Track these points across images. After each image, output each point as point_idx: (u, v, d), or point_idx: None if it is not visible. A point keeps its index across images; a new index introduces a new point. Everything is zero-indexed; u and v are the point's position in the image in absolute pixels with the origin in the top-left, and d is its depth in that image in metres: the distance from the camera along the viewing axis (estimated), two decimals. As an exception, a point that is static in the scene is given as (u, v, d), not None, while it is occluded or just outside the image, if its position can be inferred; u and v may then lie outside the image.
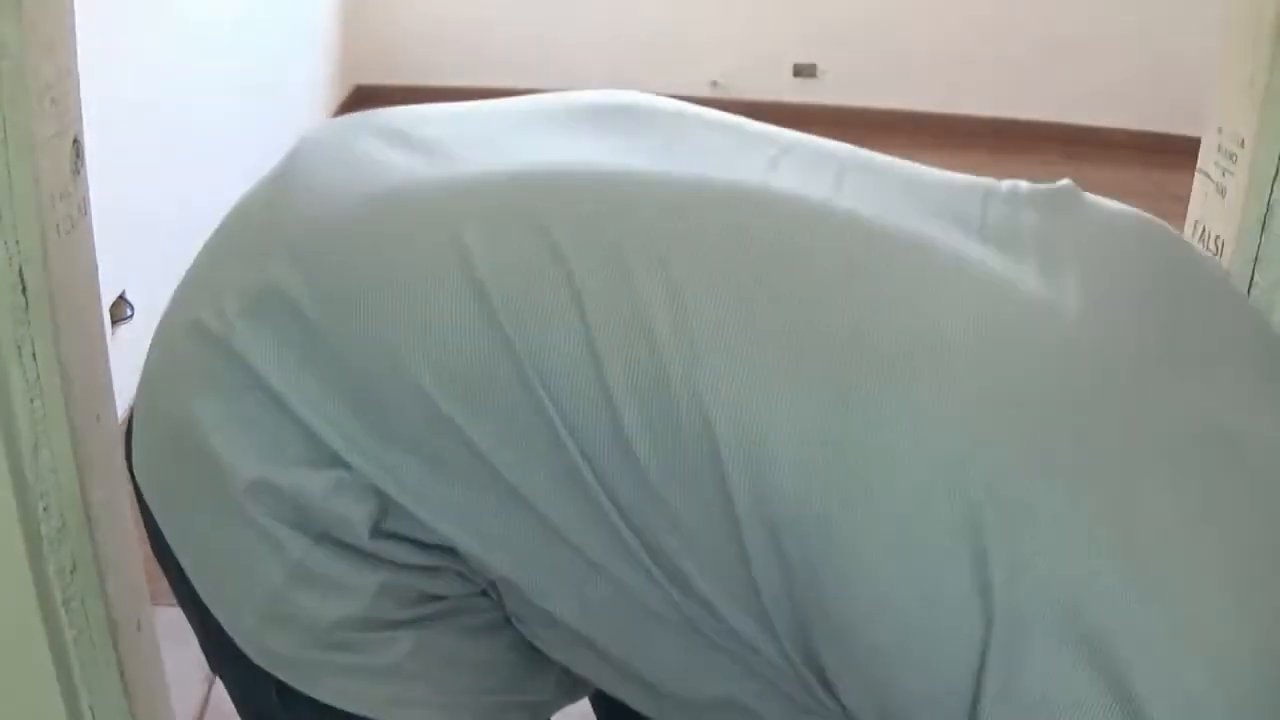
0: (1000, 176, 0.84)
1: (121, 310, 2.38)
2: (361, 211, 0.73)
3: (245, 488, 0.70)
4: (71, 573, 0.94)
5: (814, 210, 0.72)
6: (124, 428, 0.82)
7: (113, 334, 2.29)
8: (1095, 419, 0.62)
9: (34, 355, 0.87)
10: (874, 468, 0.61)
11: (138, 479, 0.80)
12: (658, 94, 0.89)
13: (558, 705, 0.86)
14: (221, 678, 0.83)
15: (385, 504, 0.70)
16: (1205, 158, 1.01)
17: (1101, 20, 4.95)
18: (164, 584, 0.80)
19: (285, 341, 0.70)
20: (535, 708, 0.84)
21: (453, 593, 0.74)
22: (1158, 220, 0.82)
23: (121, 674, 1.01)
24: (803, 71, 5.23)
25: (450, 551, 0.72)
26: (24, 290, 0.85)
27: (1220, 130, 0.97)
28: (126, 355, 2.80)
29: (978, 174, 0.84)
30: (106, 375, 1.02)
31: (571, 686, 0.84)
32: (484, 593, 0.75)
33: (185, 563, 0.77)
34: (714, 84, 5.15)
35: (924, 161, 0.85)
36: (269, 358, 0.70)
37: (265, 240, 0.76)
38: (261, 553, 0.71)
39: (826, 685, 0.66)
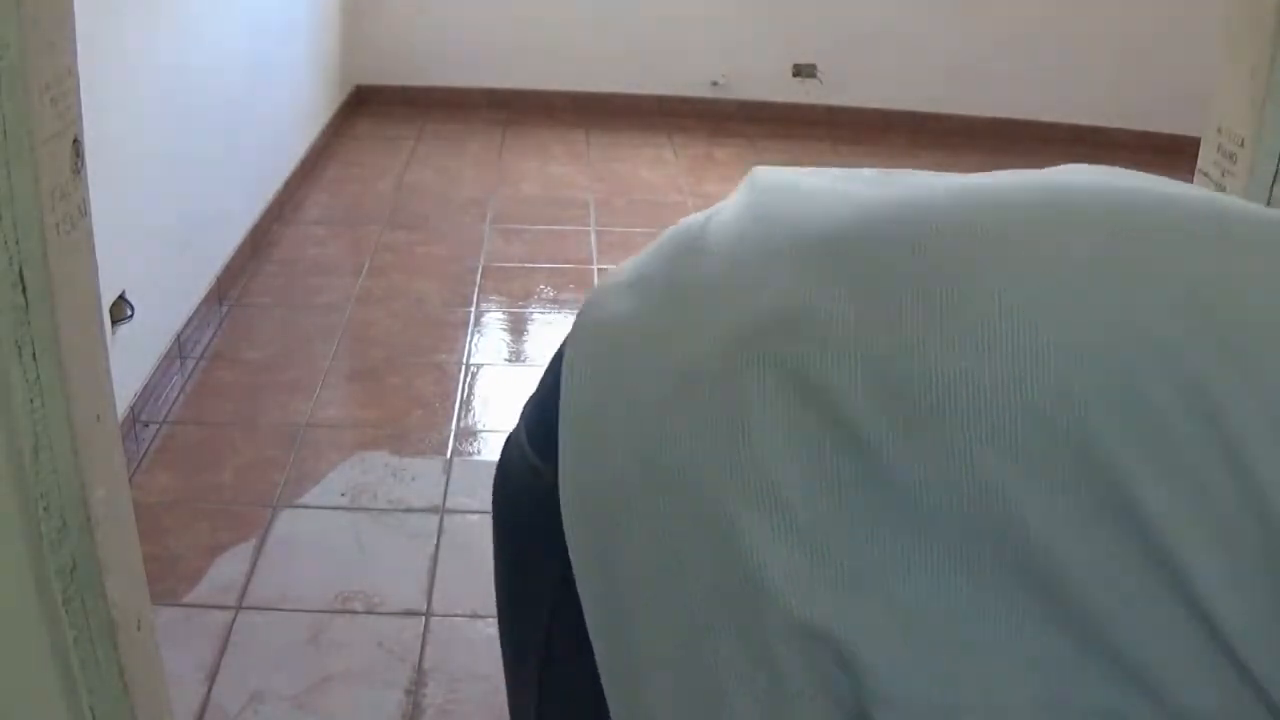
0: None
1: (121, 310, 2.38)
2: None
3: (789, 627, 0.57)
4: (71, 573, 0.94)
5: None
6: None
7: (113, 334, 2.29)
8: None
9: (34, 355, 0.87)
10: None
11: (573, 532, 0.66)
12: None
13: None
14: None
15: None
16: (1205, 158, 1.01)
17: (1102, 20, 4.95)
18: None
19: None
20: None
21: None
22: None
23: (121, 674, 1.01)
24: (803, 71, 5.23)
25: None
26: (24, 290, 0.85)
27: (1220, 130, 0.97)
28: (126, 355, 2.78)
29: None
30: (106, 375, 1.02)
31: None
32: None
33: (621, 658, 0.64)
34: (714, 84, 5.15)
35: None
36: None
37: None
38: (741, 692, 0.58)
39: None
